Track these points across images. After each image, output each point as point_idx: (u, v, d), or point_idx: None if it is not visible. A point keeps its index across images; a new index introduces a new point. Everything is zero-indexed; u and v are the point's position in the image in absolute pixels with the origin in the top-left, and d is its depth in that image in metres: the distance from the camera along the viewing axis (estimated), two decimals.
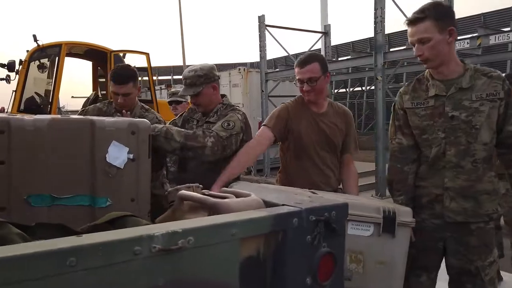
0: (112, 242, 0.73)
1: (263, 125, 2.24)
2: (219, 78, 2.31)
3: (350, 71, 10.80)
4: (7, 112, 6.33)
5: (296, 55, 12.71)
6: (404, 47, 7.48)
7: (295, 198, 1.19)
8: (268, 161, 9.84)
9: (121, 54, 6.90)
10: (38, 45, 6.18)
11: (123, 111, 2.44)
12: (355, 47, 16.91)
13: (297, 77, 2.21)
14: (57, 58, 6.25)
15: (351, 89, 19.19)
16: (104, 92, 7.45)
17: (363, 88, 18.97)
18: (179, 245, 0.80)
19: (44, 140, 1.54)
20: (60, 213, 1.55)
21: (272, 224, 0.99)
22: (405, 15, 7.75)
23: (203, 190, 1.23)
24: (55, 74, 6.22)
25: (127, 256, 0.75)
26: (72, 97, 26.51)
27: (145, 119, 1.76)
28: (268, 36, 9.79)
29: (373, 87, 18.36)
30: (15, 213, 1.51)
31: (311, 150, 2.22)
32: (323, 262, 1.08)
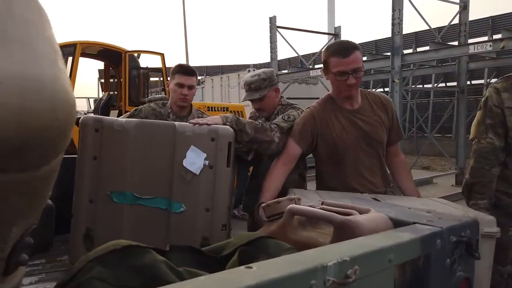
0: (290, 277, 0.61)
1: (290, 137, 2.01)
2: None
3: (372, 72, 10.65)
4: None
5: (305, 57, 12.61)
6: (426, 48, 7.35)
7: (418, 214, 1.07)
8: None
9: (136, 55, 6.76)
10: None
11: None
12: (378, 47, 16.72)
13: (336, 69, 1.88)
14: (71, 58, 6.11)
15: (374, 90, 19.02)
16: (115, 92, 7.31)
17: (386, 89, 18.73)
18: (352, 277, 0.67)
19: (130, 140, 1.60)
20: (140, 213, 1.60)
21: (421, 248, 0.86)
22: (422, 17, 7.67)
23: (312, 203, 1.10)
24: (69, 74, 6.08)
25: None
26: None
27: (227, 126, 1.69)
28: (279, 38, 9.67)
29: (383, 89, 18.34)
30: (100, 206, 1.62)
31: (349, 156, 1.96)
32: None
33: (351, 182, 1.94)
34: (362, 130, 1.96)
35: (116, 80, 7.48)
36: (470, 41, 7.66)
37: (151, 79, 7.69)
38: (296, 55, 11.14)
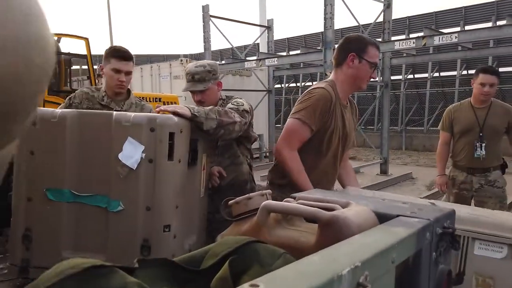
0: None
1: (299, 119, 1.90)
2: None
3: (302, 66, 10.85)
4: None
5: (238, 48, 12.51)
6: None
7: (398, 206, 1.01)
8: None
9: (56, 38, 6.12)
10: None
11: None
12: (307, 42, 17.07)
13: (373, 60, 1.95)
14: None
15: (302, 84, 19.40)
16: None
17: (314, 83, 19.20)
18: (368, 286, 0.57)
19: (67, 133, 1.48)
20: (79, 212, 1.49)
21: (416, 243, 0.80)
22: (351, 13, 7.97)
23: (289, 197, 0.99)
24: None
25: None
26: None
27: (170, 116, 1.53)
28: (212, 28, 9.46)
29: (312, 83, 18.85)
30: (38, 205, 1.51)
31: (337, 148, 1.99)
32: (446, 283, 0.92)
33: (328, 175, 2.02)
34: (346, 129, 2.02)
35: None
36: (392, 38, 8.14)
37: (75, 67, 7.04)
38: (229, 47, 11.00)
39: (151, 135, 1.45)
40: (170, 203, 1.49)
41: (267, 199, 1.01)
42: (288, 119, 1.97)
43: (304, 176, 1.85)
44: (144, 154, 1.45)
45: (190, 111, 1.63)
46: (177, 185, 1.53)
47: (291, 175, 1.87)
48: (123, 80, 2.29)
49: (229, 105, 2.03)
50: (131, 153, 1.46)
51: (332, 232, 0.82)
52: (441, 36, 6.14)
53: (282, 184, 1.94)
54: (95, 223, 1.49)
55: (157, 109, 1.74)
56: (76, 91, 2.40)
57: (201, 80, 2.14)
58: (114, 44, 12.05)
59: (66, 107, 2.24)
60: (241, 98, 2.19)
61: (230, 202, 1.03)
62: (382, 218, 0.93)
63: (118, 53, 2.29)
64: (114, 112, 1.58)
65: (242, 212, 1.01)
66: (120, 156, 1.45)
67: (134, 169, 1.45)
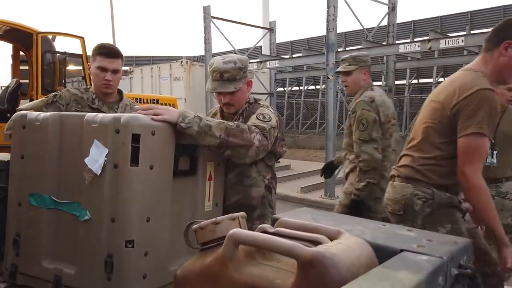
0: None
1: (483, 134, 1.64)
2: None
3: (305, 69, 10.68)
4: None
5: (240, 51, 12.33)
6: (360, 46, 7.47)
7: (400, 235, 0.81)
8: None
9: (51, 37, 5.97)
10: None
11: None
12: (310, 45, 16.89)
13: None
14: None
15: (305, 87, 19.20)
16: (26, 81, 6.42)
17: (317, 86, 19.02)
18: None
19: (48, 136, 1.46)
20: (57, 219, 1.45)
21: None
22: (355, 15, 7.78)
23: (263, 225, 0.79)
24: None
25: None
26: None
27: (139, 115, 1.35)
28: (213, 29, 9.29)
29: (315, 86, 18.69)
30: (25, 210, 1.50)
31: None
32: None
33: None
34: None
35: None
36: (397, 41, 7.95)
37: (71, 67, 6.87)
38: (231, 49, 10.84)
39: (115, 137, 1.30)
40: (134, 215, 1.31)
41: (239, 226, 0.82)
42: (467, 135, 1.64)
43: (494, 213, 1.62)
44: (106, 159, 1.30)
45: (179, 118, 1.40)
46: (147, 194, 1.34)
47: (480, 212, 1.65)
48: (110, 79, 2.08)
49: (253, 118, 1.71)
50: (96, 157, 1.34)
51: (314, 274, 0.63)
52: (447, 40, 5.94)
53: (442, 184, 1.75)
54: (70, 232, 1.42)
55: (136, 108, 1.51)
56: (62, 91, 2.17)
57: (231, 79, 1.78)
58: (117, 45, 11.92)
59: (46, 104, 2.04)
60: (268, 107, 1.87)
61: (194, 226, 0.84)
62: (382, 252, 0.74)
63: (104, 50, 2.09)
64: (87, 114, 1.42)
65: (208, 240, 0.82)
66: (86, 160, 1.35)
67: (98, 174, 1.32)
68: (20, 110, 1.91)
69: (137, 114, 1.36)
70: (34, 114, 1.54)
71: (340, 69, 3.07)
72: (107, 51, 2.09)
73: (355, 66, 2.96)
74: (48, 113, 1.53)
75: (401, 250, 0.72)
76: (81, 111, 2.03)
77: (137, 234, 1.31)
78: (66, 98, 2.10)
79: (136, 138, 1.30)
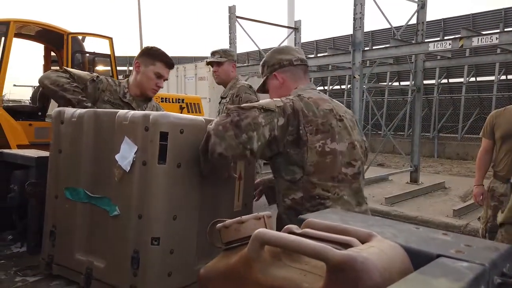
0: None
1: None
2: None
3: (330, 68, 10.54)
4: None
5: (264, 51, 12.31)
6: (387, 45, 7.30)
7: (436, 239, 0.77)
8: None
9: (80, 37, 6.12)
10: None
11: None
12: (336, 44, 16.69)
13: None
14: (3, 38, 5.38)
15: (330, 87, 19.01)
16: None
17: (342, 86, 18.79)
18: None
19: (83, 132, 1.50)
20: (91, 213, 1.48)
21: None
22: (383, 13, 7.61)
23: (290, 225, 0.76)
24: (0, 57, 5.34)
25: None
26: (15, 85, 24.38)
27: (167, 112, 1.39)
28: (238, 29, 9.31)
29: (340, 86, 18.44)
30: (61, 202, 1.55)
31: None
32: None
33: None
34: None
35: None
36: (426, 40, 7.72)
37: (100, 67, 7.03)
38: (256, 49, 10.83)
39: (145, 135, 1.32)
40: (161, 212, 1.32)
41: (264, 225, 0.79)
42: None
43: None
44: (135, 156, 1.32)
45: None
46: (174, 192, 1.34)
47: None
48: (161, 86, 2.26)
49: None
50: (126, 154, 1.36)
51: (345, 279, 0.59)
52: (480, 37, 5.71)
53: None
54: (101, 226, 1.45)
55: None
56: (102, 77, 2.23)
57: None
58: (144, 45, 12.10)
59: (90, 80, 2.13)
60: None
61: (218, 225, 0.82)
62: (417, 257, 0.69)
63: (167, 59, 2.23)
64: (119, 111, 1.47)
65: (232, 240, 0.79)
66: (116, 156, 1.38)
67: (127, 171, 1.34)
68: (67, 71, 2.11)
69: (166, 112, 1.39)
70: (71, 110, 1.59)
71: (213, 59, 3.29)
72: (169, 62, 2.24)
73: (225, 58, 3.26)
74: (83, 110, 1.58)
75: (438, 256, 0.68)
76: (113, 102, 2.18)
77: (163, 232, 1.31)
78: (104, 84, 2.18)
79: (164, 136, 1.31)
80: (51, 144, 1.62)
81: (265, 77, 1.78)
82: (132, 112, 1.42)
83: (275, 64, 1.73)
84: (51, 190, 1.59)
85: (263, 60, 1.81)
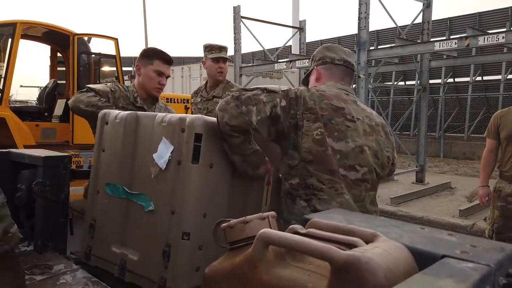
0: None
1: None
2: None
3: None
4: None
5: (269, 51, 12.30)
6: (392, 44, 7.27)
7: (441, 239, 0.76)
8: None
9: (86, 38, 6.15)
10: None
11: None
12: (341, 44, 16.63)
13: None
14: (10, 39, 5.43)
15: None
16: (64, 81, 6.65)
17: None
18: None
19: (125, 133, 1.60)
20: (127, 208, 1.57)
21: None
22: (388, 13, 7.58)
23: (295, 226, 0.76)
24: (7, 58, 5.39)
25: None
26: (21, 86, 24.55)
27: (203, 116, 1.50)
28: (243, 29, 9.31)
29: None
30: (102, 197, 1.66)
31: None
32: None
33: None
34: None
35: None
36: (432, 39, 7.68)
37: (105, 68, 7.07)
38: (261, 49, 10.84)
39: (181, 136, 1.43)
40: (192, 209, 1.41)
41: (269, 225, 0.79)
42: None
43: None
44: (171, 155, 1.43)
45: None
46: (205, 191, 1.44)
47: None
48: (164, 83, 2.30)
49: None
50: (163, 153, 1.47)
51: (349, 279, 0.59)
52: (486, 36, 5.67)
53: None
54: (136, 220, 1.54)
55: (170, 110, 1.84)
56: (113, 85, 2.34)
57: None
58: (149, 45, 12.16)
59: (110, 91, 2.26)
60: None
61: (223, 225, 0.82)
62: (422, 258, 0.69)
63: (164, 56, 2.27)
64: (158, 113, 1.60)
65: (237, 240, 0.80)
66: (154, 155, 1.49)
67: (163, 169, 1.45)
68: (91, 89, 2.25)
69: (200, 115, 1.50)
70: (115, 112, 1.72)
71: (224, 55, 3.16)
72: (167, 58, 2.27)
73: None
74: (126, 112, 1.68)
75: (443, 256, 0.68)
76: (126, 108, 2.24)
77: (193, 228, 1.39)
78: (118, 92, 2.28)
79: (198, 137, 1.41)
80: (95, 142, 1.76)
81: (310, 70, 1.85)
82: (170, 115, 1.53)
83: (319, 59, 1.80)
84: (93, 185, 1.71)
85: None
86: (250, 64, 10.19)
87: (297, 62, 8.45)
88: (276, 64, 9.06)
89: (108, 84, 2.37)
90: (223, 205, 1.48)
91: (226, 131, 1.44)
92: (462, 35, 6.39)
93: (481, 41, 5.69)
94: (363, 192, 1.55)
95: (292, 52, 10.85)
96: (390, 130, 1.73)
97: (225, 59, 3.13)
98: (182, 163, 1.40)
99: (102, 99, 2.18)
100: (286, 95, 1.52)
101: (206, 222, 1.40)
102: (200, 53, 3.38)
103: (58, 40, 6.22)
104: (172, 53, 2.31)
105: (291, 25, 11.93)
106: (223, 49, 3.17)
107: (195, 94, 3.40)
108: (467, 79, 15.28)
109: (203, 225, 1.40)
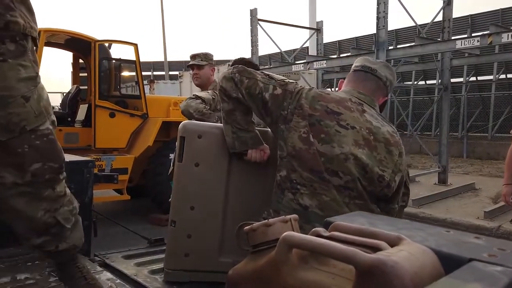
0: None
1: None
2: None
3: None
4: None
5: (286, 52, 12.29)
6: (412, 43, 7.15)
7: (467, 242, 0.75)
8: None
9: (107, 45, 6.28)
10: None
11: None
12: (359, 44, 16.49)
13: None
14: (34, 47, 5.58)
15: None
16: (85, 87, 6.80)
17: None
18: None
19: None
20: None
21: None
22: (407, 11, 7.47)
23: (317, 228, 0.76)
24: None
25: None
26: None
27: (191, 121, 1.87)
28: (260, 32, 9.33)
29: None
30: (198, 213, 1.66)
31: None
32: None
33: None
34: None
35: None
36: (453, 37, 7.52)
37: (125, 73, 7.20)
38: (278, 51, 10.83)
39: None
40: (178, 201, 1.69)
41: (291, 228, 0.79)
42: None
43: None
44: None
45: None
46: (192, 187, 1.68)
47: None
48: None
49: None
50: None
51: (375, 283, 0.59)
52: (509, 33, 5.52)
53: None
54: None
55: None
56: (213, 92, 2.88)
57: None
58: (167, 50, 12.30)
59: (211, 105, 2.86)
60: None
61: (246, 228, 0.83)
62: (448, 261, 0.68)
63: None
64: None
65: (260, 242, 0.80)
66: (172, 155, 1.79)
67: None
68: (198, 97, 2.83)
69: (190, 121, 1.83)
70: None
71: (194, 62, 3.32)
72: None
73: (206, 62, 3.31)
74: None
75: (470, 260, 0.66)
76: (219, 109, 2.54)
77: (179, 217, 1.63)
78: (216, 99, 2.79)
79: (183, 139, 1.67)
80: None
81: None
82: None
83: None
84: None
85: None
86: (267, 66, 10.20)
87: (314, 63, 8.42)
88: (293, 66, 9.04)
89: (209, 91, 2.79)
90: (216, 200, 1.65)
91: (220, 94, 1.65)
92: (485, 32, 6.24)
93: (505, 38, 5.54)
94: (347, 199, 1.48)
95: (309, 53, 10.81)
96: (401, 151, 1.61)
97: (197, 66, 3.32)
98: (176, 162, 1.68)
99: (206, 107, 2.73)
100: (285, 86, 1.59)
101: (193, 214, 1.62)
102: (217, 57, 3.63)
103: (80, 47, 6.37)
104: (186, 57, 2.45)
105: (308, 26, 11.90)
106: (196, 56, 3.37)
107: None
108: (491, 77, 14.88)
109: (191, 216, 1.62)
